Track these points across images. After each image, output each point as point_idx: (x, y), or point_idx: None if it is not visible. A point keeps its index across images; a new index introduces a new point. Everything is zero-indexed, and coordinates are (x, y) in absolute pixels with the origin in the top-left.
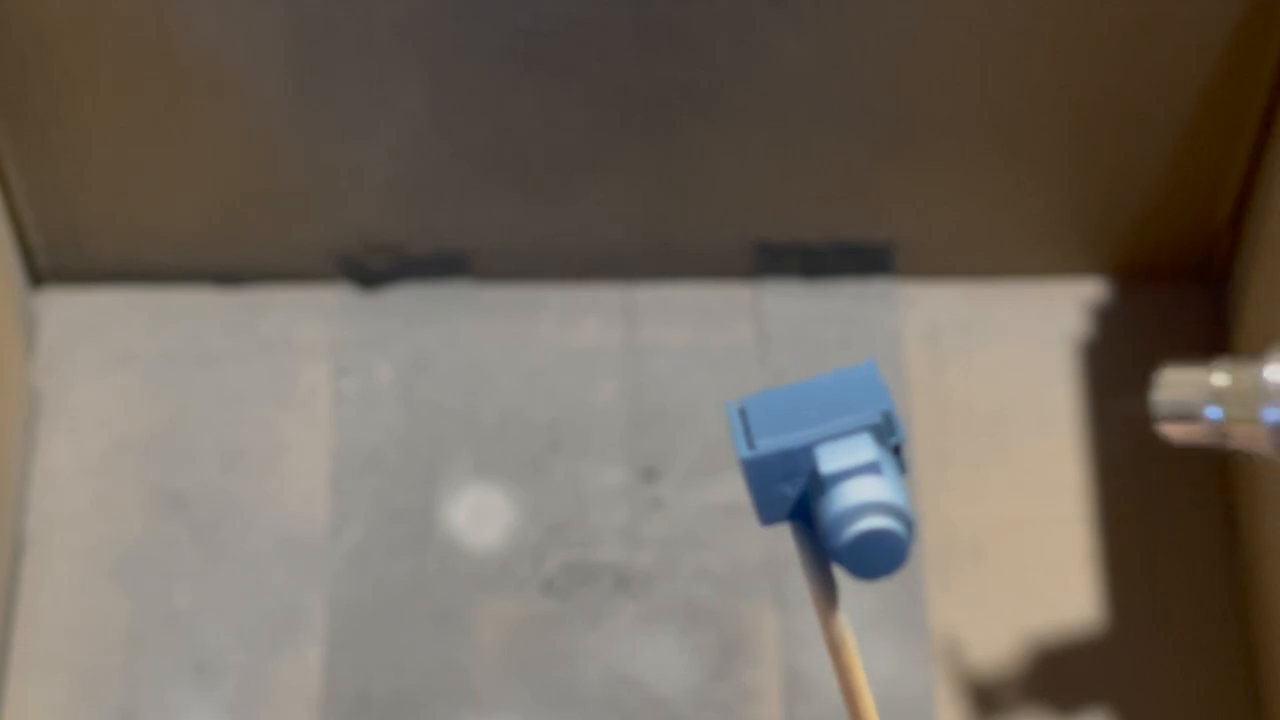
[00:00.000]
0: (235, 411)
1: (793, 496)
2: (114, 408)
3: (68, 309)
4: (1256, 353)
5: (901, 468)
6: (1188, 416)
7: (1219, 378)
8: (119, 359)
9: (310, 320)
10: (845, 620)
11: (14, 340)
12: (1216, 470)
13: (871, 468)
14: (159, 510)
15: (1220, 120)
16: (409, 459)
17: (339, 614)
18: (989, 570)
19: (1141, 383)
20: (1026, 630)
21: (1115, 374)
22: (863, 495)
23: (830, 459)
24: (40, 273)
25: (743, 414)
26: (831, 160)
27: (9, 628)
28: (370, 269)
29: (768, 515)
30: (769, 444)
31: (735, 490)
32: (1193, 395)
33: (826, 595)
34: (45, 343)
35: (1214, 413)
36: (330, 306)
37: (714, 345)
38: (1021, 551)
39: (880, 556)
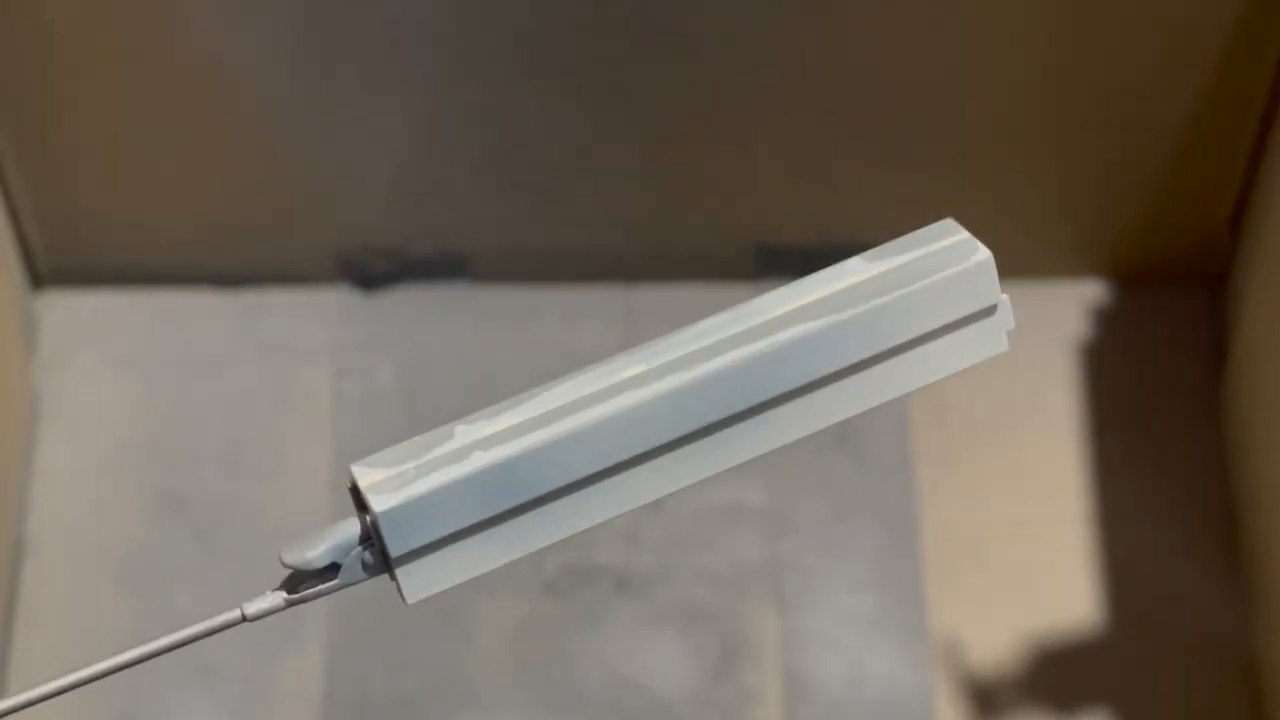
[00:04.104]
0: (235, 413)
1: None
2: (114, 409)
3: (68, 311)
4: (1255, 356)
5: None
6: None
7: None
8: (119, 361)
9: (311, 322)
10: None
11: (14, 342)
12: (1216, 470)
13: None
14: (159, 511)
15: (1220, 121)
16: None
17: (340, 616)
18: (989, 571)
19: (1141, 384)
20: (1026, 631)
21: (1115, 376)
22: None
23: None
24: (41, 275)
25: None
26: (831, 162)
27: (9, 628)
28: (370, 271)
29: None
30: None
31: (735, 492)
32: None
33: None
34: (46, 345)
35: None
36: (331, 308)
37: None
38: (1021, 553)
39: None
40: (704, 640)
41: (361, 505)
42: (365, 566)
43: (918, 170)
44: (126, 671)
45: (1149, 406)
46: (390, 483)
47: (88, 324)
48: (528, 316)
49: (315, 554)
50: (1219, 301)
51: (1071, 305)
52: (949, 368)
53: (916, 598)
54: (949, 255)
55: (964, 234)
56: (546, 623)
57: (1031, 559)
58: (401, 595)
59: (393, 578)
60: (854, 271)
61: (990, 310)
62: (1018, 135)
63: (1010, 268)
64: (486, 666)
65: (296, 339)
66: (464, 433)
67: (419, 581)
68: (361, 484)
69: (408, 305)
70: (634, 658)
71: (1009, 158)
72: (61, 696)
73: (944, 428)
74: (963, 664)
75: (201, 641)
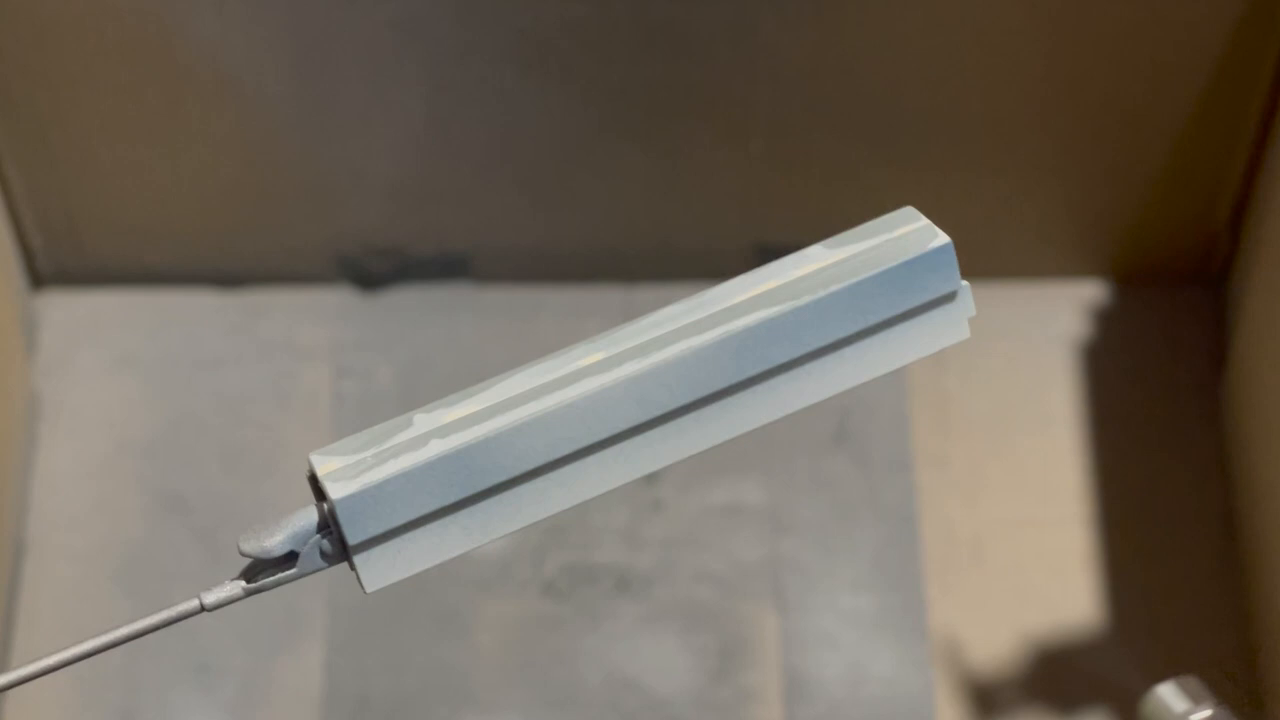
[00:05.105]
0: (236, 413)
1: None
2: (115, 410)
3: (68, 311)
4: (1255, 356)
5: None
6: None
7: None
8: (119, 361)
9: (310, 322)
10: None
11: (14, 342)
12: (1216, 470)
13: None
14: (160, 512)
15: (1220, 121)
16: None
17: (339, 615)
18: (989, 571)
19: (1140, 385)
20: (1026, 630)
21: (1114, 376)
22: None
23: None
24: (41, 275)
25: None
26: (831, 161)
27: (9, 628)
28: (370, 271)
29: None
30: None
31: (735, 492)
32: None
33: None
34: (46, 345)
35: None
36: (331, 308)
37: None
38: (1021, 552)
39: None
40: (704, 640)
41: (320, 493)
42: (323, 555)
43: (918, 170)
44: (126, 671)
45: (1149, 406)
46: (347, 470)
47: (88, 324)
48: (528, 316)
49: (273, 542)
50: (1219, 301)
51: (1071, 305)
52: (911, 354)
53: (916, 598)
54: (909, 241)
55: (924, 220)
56: (546, 623)
57: (1031, 559)
58: (360, 583)
59: (351, 566)
60: (815, 258)
61: (951, 296)
62: (1018, 135)
63: (1010, 268)
64: (486, 666)
65: (296, 339)
66: (422, 421)
67: (378, 570)
68: (319, 472)
69: (408, 305)
70: (634, 658)
71: (1009, 157)
72: (61, 695)
73: (944, 428)
74: (963, 664)
75: (201, 641)
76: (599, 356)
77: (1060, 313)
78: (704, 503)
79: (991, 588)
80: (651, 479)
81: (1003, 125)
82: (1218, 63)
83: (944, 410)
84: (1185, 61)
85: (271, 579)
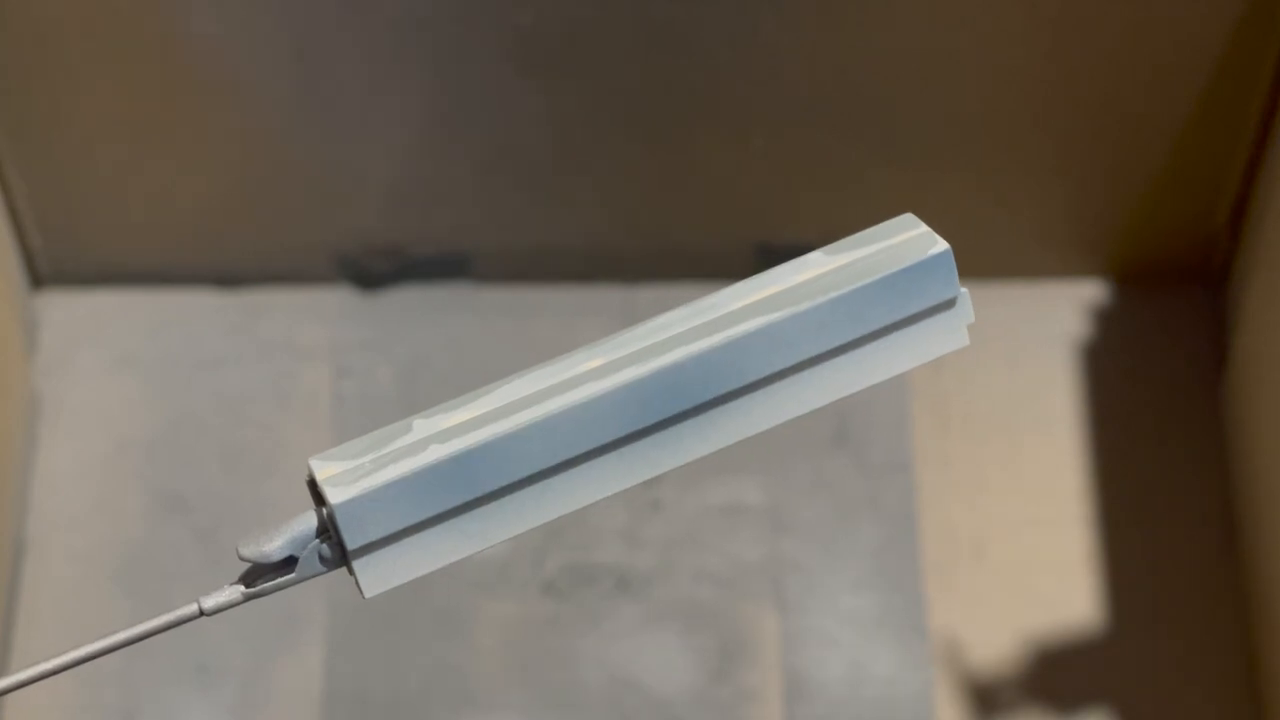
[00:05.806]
0: (236, 413)
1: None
2: (115, 409)
3: (68, 311)
4: (1255, 356)
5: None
6: None
7: None
8: (120, 361)
9: (310, 322)
10: None
11: (15, 342)
12: (1216, 470)
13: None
14: (160, 512)
15: (1219, 121)
16: None
17: (339, 616)
18: (989, 571)
19: (1140, 385)
20: (1026, 630)
21: (1114, 376)
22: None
23: None
24: (41, 275)
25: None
26: (831, 161)
27: (9, 628)
28: (370, 271)
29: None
30: None
31: (735, 492)
32: None
33: None
34: (46, 345)
35: None
36: (330, 308)
37: None
38: (1021, 552)
39: None
40: (704, 640)
41: (319, 498)
42: (323, 560)
43: (918, 170)
44: (126, 672)
45: (1149, 406)
46: (347, 475)
47: (88, 324)
48: (528, 316)
49: (272, 547)
50: (1219, 301)
51: (1071, 305)
52: (910, 361)
53: (916, 597)
54: (908, 248)
55: (923, 228)
56: (546, 623)
57: (1031, 559)
58: (359, 588)
59: (350, 571)
60: (814, 264)
61: (950, 304)
62: (1018, 135)
63: (1010, 268)
64: (486, 666)
65: (296, 339)
66: (421, 426)
67: (376, 575)
68: (318, 477)
69: (408, 305)
70: (634, 658)
71: (1009, 158)
72: (61, 696)
73: (944, 428)
74: (963, 663)
75: (201, 641)
76: (598, 362)
77: (1060, 313)
78: (704, 503)
79: (991, 588)
80: (651, 480)
81: (1003, 125)
82: (1218, 63)
83: (944, 411)
84: (1185, 61)
85: (270, 584)
